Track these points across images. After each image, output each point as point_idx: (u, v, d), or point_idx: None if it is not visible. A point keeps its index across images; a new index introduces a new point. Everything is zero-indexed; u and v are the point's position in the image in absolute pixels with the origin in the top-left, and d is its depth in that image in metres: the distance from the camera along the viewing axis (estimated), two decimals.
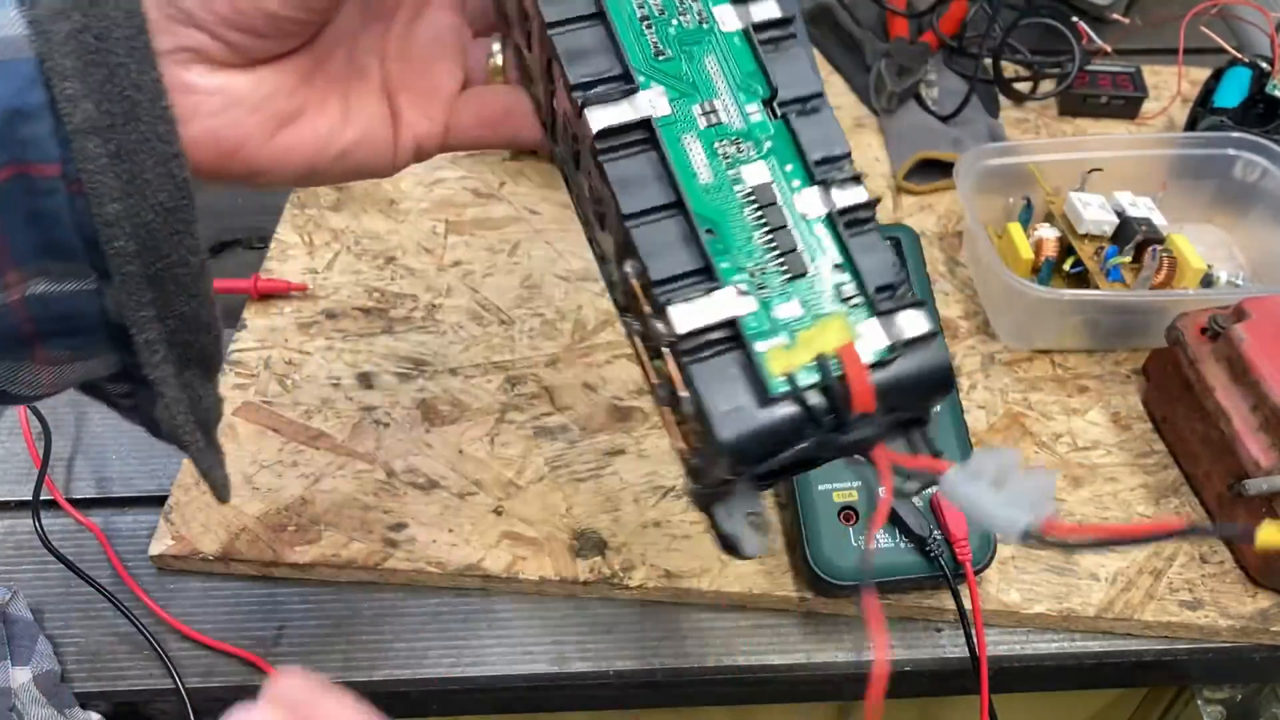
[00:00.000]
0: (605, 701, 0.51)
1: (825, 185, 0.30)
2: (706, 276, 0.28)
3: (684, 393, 0.28)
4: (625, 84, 0.30)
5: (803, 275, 0.29)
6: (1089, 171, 0.63)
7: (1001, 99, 0.76)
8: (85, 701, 0.48)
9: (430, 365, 0.59)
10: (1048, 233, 0.61)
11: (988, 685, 0.47)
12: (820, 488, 0.49)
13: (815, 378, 0.28)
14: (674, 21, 0.31)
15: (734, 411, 0.27)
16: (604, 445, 0.55)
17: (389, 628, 0.50)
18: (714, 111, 0.30)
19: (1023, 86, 0.77)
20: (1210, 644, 0.51)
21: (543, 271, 0.64)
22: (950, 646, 0.50)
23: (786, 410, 0.28)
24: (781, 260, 0.29)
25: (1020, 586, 0.51)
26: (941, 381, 0.29)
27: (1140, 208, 0.62)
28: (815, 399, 0.28)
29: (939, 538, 0.47)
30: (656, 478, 0.54)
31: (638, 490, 0.53)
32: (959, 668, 0.50)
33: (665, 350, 0.29)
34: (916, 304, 0.29)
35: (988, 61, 0.74)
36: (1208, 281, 0.60)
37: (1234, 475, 0.50)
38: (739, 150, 0.30)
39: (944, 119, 0.72)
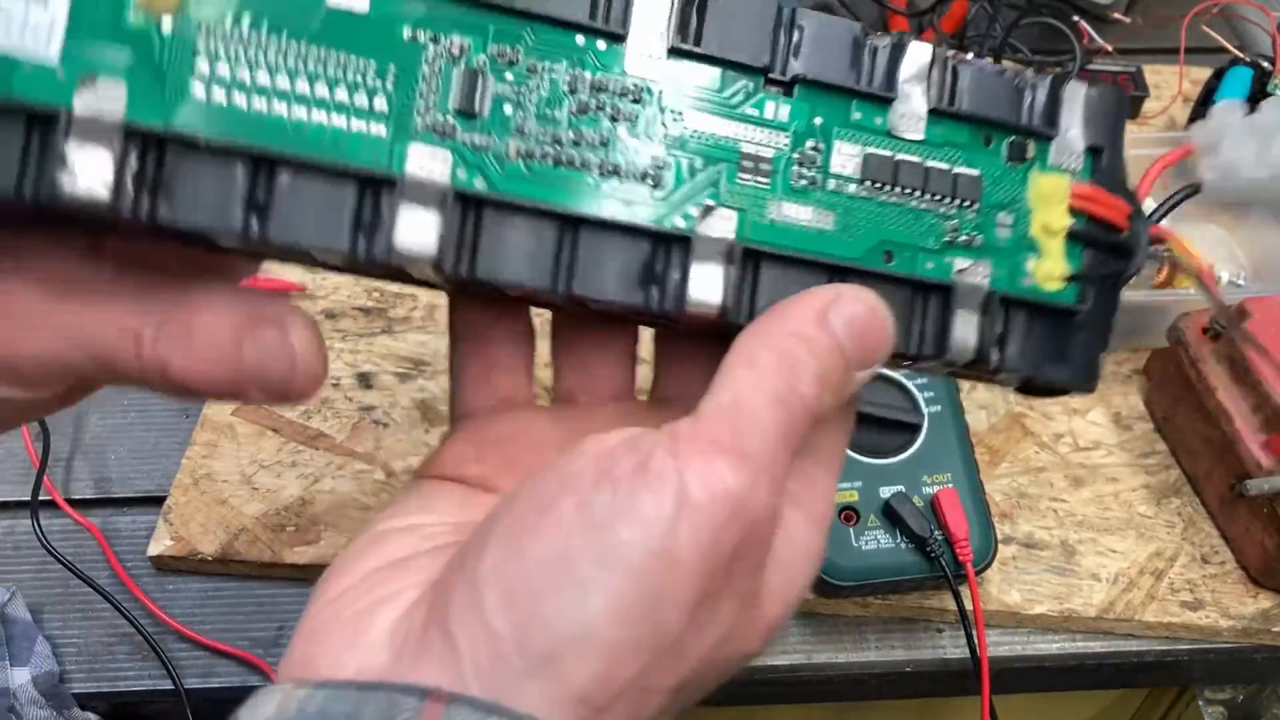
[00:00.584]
0: None
1: (900, 96, 0.24)
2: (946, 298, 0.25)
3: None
4: (688, 249, 0.23)
5: (1005, 204, 0.25)
6: None
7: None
8: (84, 702, 0.47)
9: (430, 365, 0.59)
10: None
11: (989, 686, 0.46)
12: None
13: (1080, 246, 0.26)
14: (635, 132, 0.23)
15: (1070, 358, 0.26)
16: None
17: None
18: (758, 161, 0.24)
19: None
20: (1211, 644, 0.51)
21: None
22: (951, 647, 0.50)
23: (1094, 298, 0.26)
24: (977, 216, 0.25)
25: (1021, 587, 0.51)
26: (1123, 103, 0.26)
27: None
28: (1098, 259, 0.26)
29: (940, 538, 0.47)
30: None
31: None
32: (960, 668, 0.50)
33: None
34: (1055, 86, 0.25)
35: None
36: None
37: (1235, 475, 0.50)
38: (813, 165, 0.24)
39: None
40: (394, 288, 0.62)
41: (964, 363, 0.25)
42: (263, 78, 0.21)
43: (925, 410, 0.51)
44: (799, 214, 0.24)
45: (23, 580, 0.51)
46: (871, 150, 0.24)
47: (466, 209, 0.22)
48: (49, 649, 0.48)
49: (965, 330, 0.25)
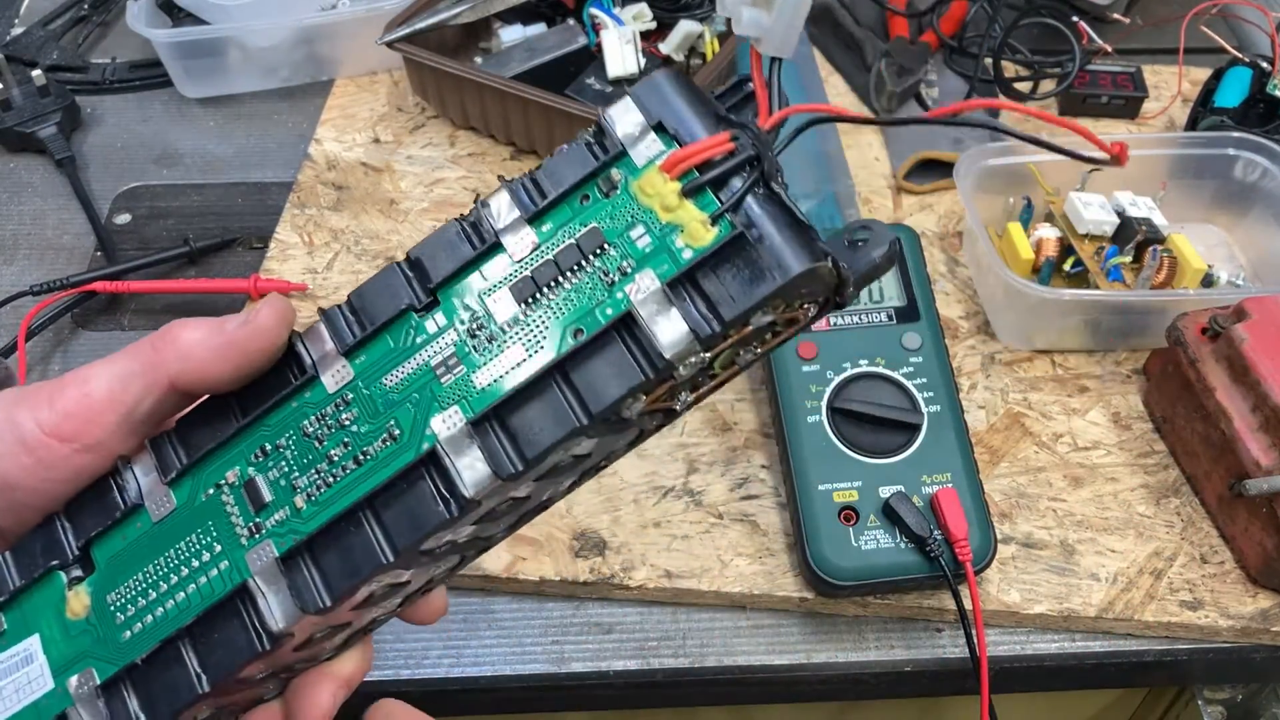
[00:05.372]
0: (605, 702, 0.51)
1: (504, 237, 0.28)
2: None
3: None
4: None
5: (630, 224, 0.28)
6: (1089, 171, 0.63)
7: (1002, 99, 0.76)
8: None
9: None
10: (1048, 233, 0.61)
11: (988, 685, 0.46)
12: (820, 488, 0.49)
13: (705, 192, 0.27)
14: (361, 419, 0.29)
15: (774, 262, 0.27)
16: None
17: (389, 628, 0.50)
18: (447, 361, 0.28)
19: (1023, 86, 0.76)
20: (1211, 644, 0.51)
21: None
22: (950, 647, 0.50)
23: (757, 207, 0.27)
24: (617, 250, 0.28)
25: (1020, 587, 0.51)
26: (668, 73, 0.28)
27: (1140, 208, 0.62)
28: (733, 182, 0.27)
29: (939, 538, 0.47)
30: (657, 478, 0.54)
31: (638, 491, 0.53)
32: (959, 668, 0.50)
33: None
34: (600, 120, 0.28)
35: (988, 61, 0.74)
36: (1208, 281, 0.60)
37: (1234, 475, 0.50)
38: (483, 327, 0.28)
39: None
40: None
41: (694, 352, 0.27)
42: (152, 594, 0.29)
43: (925, 410, 0.51)
44: (498, 367, 0.28)
45: None
46: (513, 281, 0.28)
47: (299, 559, 0.28)
48: None
49: (667, 327, 0.26)
